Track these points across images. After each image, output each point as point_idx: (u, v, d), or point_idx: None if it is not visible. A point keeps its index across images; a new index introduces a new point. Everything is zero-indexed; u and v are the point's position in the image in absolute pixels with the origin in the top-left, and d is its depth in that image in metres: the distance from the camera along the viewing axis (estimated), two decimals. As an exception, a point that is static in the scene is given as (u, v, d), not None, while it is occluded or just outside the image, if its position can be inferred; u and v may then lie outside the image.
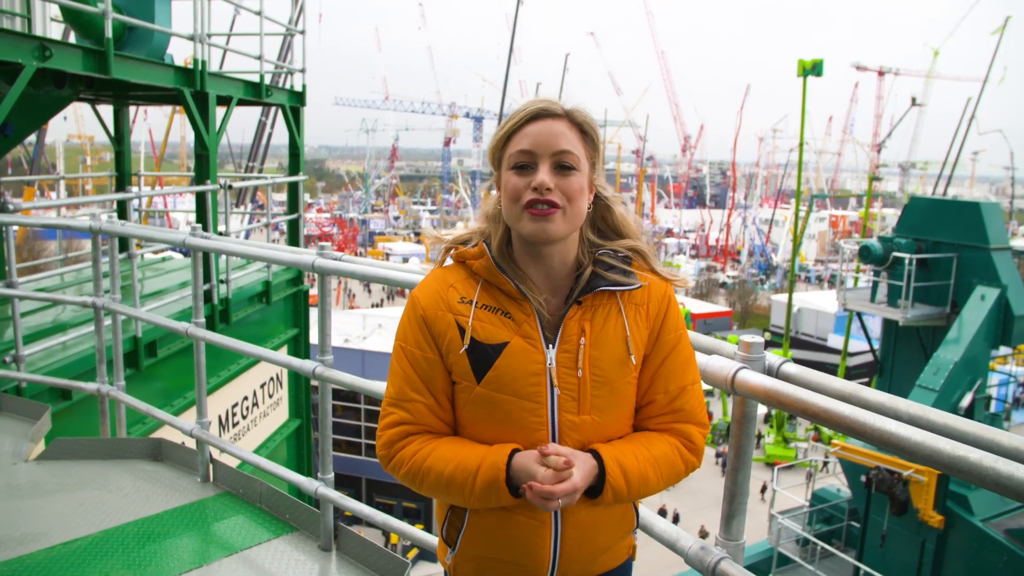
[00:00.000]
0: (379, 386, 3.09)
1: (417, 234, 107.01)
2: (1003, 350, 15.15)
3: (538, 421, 1.78)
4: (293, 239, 11.95)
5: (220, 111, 9.47)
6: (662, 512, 33.41)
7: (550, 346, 1.80)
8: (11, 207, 6.40)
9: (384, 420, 1.89)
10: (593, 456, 1.77)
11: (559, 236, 1.80)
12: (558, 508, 1.70)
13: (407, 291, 2.52)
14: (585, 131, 1.84)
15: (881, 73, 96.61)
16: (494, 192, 1.93)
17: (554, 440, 1.79)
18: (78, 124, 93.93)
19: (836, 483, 17.24)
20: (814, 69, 35.50)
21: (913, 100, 73.42)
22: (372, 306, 64.52)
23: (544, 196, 1.75)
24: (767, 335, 52.89)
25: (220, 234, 9.22)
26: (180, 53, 9.31)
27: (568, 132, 1.80)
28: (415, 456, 1.83)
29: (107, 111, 11.47)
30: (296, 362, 3.60)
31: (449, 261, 1.97)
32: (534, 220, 1.77)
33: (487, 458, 1.75)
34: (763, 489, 34.53)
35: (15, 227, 7.62)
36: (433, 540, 2.85)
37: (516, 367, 1.78)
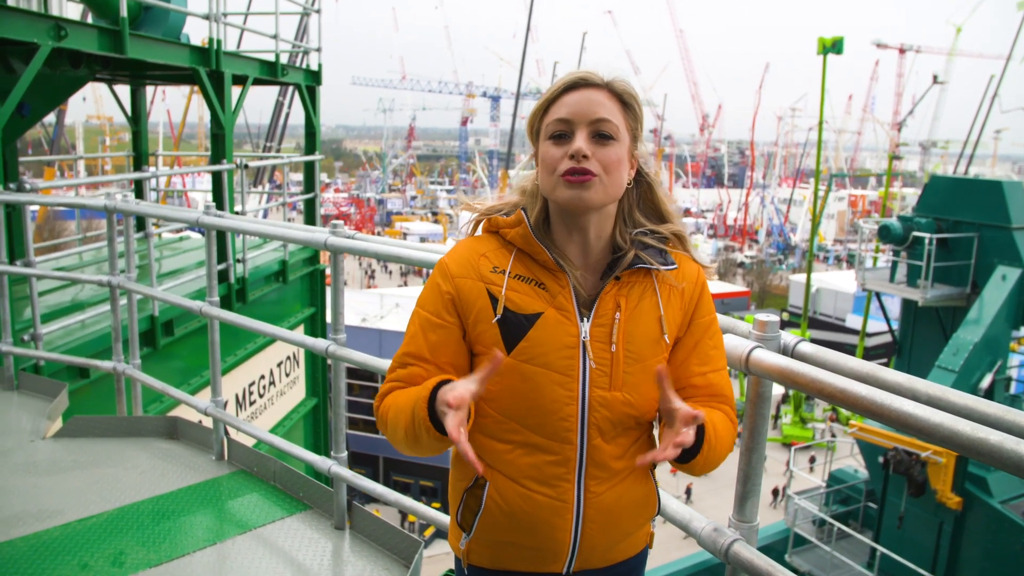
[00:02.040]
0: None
1: (435, 213, 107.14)
2: (1024, 331, 15.02)
3: (568, 395, 1.74)
4: (310, 218, 11.96)
5: (236, 91, 9.47)
6: (688, 492, 33.53)
7: (584, 319, 1.77)
8: (28, 187, 6.42)
9: (384, 381, 1.92)
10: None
11: (596, 204, 1.75)
12: (697, 422, 1.64)
13: (426, 270, 2.49)
14: (626, 102, 1.79)
15: (902, 51, 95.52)
16: (521, 171, 1.91)
17: (582, 416, 1.75)
18: (97, 105, 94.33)
19: (853, 464, 17.18)
20: (834, 47, 35.16)
21: (935, 78, 72.36)
22: (398, 286, 64.49)
23: (580, 164, 1.71)
24: (785, 315, 52.69)
25: (237, 213, 9.24)
26: (196, 33, 9.30)
27: (607, 102, 1.76)
28: (384, 400, 1.86)
29: (125, 92, 11.49)
30: (309, 341, 3.59)
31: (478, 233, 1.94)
32: (570, 187, 1.72)
33: (419, 393, 1.73)
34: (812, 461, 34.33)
35: (34, 207, 7.65)
36: (447, 519, 2.84)
37: (549, 339, 1.74)
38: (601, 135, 1.74)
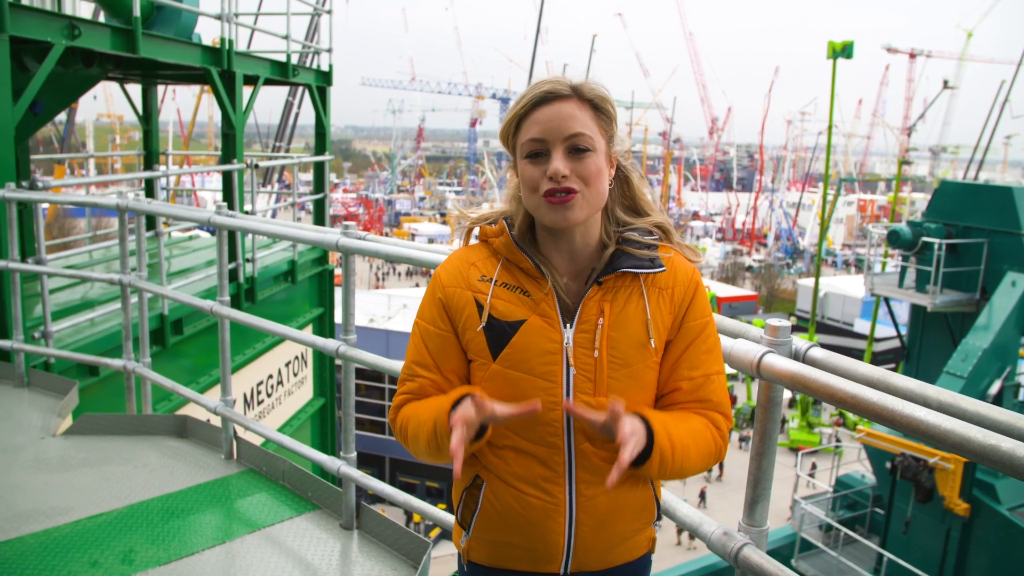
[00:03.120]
0: (401, 366, 3.09)
1: (443, 215, 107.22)
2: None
3: (552, 401, 1.75)
4: (319, 219, 11.99)
5: (247, 91, 9.49)
6: (702, 495, 33.39)
7: (567, 325, 1.77)
8: (40, 185, 6.45)
9: (396, 393, 1.95)
10: (639, 420, 1.70)
11: (581, 220, 1.76)
12: (628, 453, 1.59)
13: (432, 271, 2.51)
14: (597, 106, 1.78)
15: (912, 55, 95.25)
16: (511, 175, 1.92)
17: (568, 421, 1.76)
18: (107, 103, 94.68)
19: (860, 469, 17.13)
20: (844, 51, 35.05)
21: (945, 83, 72.18)
22: (414, 286, 64.38)
23: (561, 184, 1.72)
24: (793, 319, 52.53)
25: (246, 213, 9.26)
26: (208, 33, 9.34)
27: (578, 112, 1.75)
28: (402, 410, 1.90)
29: (136, 90, 11.54)
30: (320, 341, 3.60)
31: (474, 241, 1.96)
32: (553, 209, 1.73)
33: (441, 405, 1.76)
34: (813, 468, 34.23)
35: (44, 205, 7.68)
36: (453, 519, 2.84)
37: (532, 345, 1.75)
38: (577, 148, 1.74)
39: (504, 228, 1.85)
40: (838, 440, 34.82)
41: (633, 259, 1.81)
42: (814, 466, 31.51)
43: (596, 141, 1.76)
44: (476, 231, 1.96)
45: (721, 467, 35.96)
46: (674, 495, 2.32)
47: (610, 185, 1.84)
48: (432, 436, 1.77)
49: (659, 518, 1.99)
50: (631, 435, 1.62)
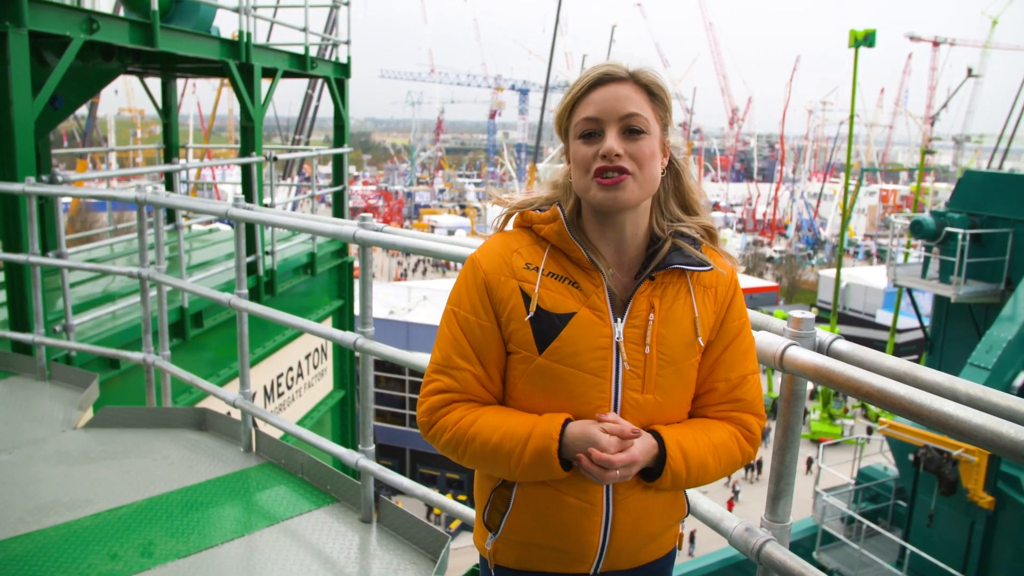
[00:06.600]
0: (420, 358, 3.08)
1: (462, 207, 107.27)
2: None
3: (601, 397, 1.71)
4: (338, 211, 12.00)
5: (266, 83, 9.50)
6: (735, 491, 33.23)
7: (618, 320, 1.73)
8: (60, 179, 6.48)
9: (427, 387, 1.82)
10: (653, 436, 1.71)
11: (631, 204, 1.72)
12: (614, 480, 1.64)
13: (458, 264, 2.45)
14: (653, 92, 1.75)
15: (936, 43, 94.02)
16: (550, 165, 1.87)
17: None
18: (128, 98, 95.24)
19: (883, 461, 16.99)
20: (866, 40, 34.71)
21: (969, 71, 71.40)
22: (442, 276, 64.20)
23: (613, 163, 1.68)
24: (814, 310, 52.12)
25: (266, 206, 9.27)
26: (226, 25, 9.35)
27: (635, 95, 1.72)
28: (459, 423, 1.75)
29: (156, 84, 11.58)
30: (337, 334, 3.58)
31: (509, 227, 1.90)
32: (604, 189, 1.69)
33: (539, 426, 1.68)
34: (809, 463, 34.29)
35: (66, 199, 7.73)
36: (473, 513, 2.82)
37: (582, 339, 1.70)
38: (632, 130, 1.70)
39: (558, 214, 1.78)
40: (870, 431, 34.61)
41: (685, 256, 1.78)
42: (809, 461, 31.33)
43: (651, 125, 1.73)
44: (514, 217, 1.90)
45: (760, 467, 35.92)
46: (696, 490, 2.28)
47: (662, 174, 1.80)
48: (532, 462, 1.69)
49: (688, 513, 1.98)
50: (635, 455, 1.67)
